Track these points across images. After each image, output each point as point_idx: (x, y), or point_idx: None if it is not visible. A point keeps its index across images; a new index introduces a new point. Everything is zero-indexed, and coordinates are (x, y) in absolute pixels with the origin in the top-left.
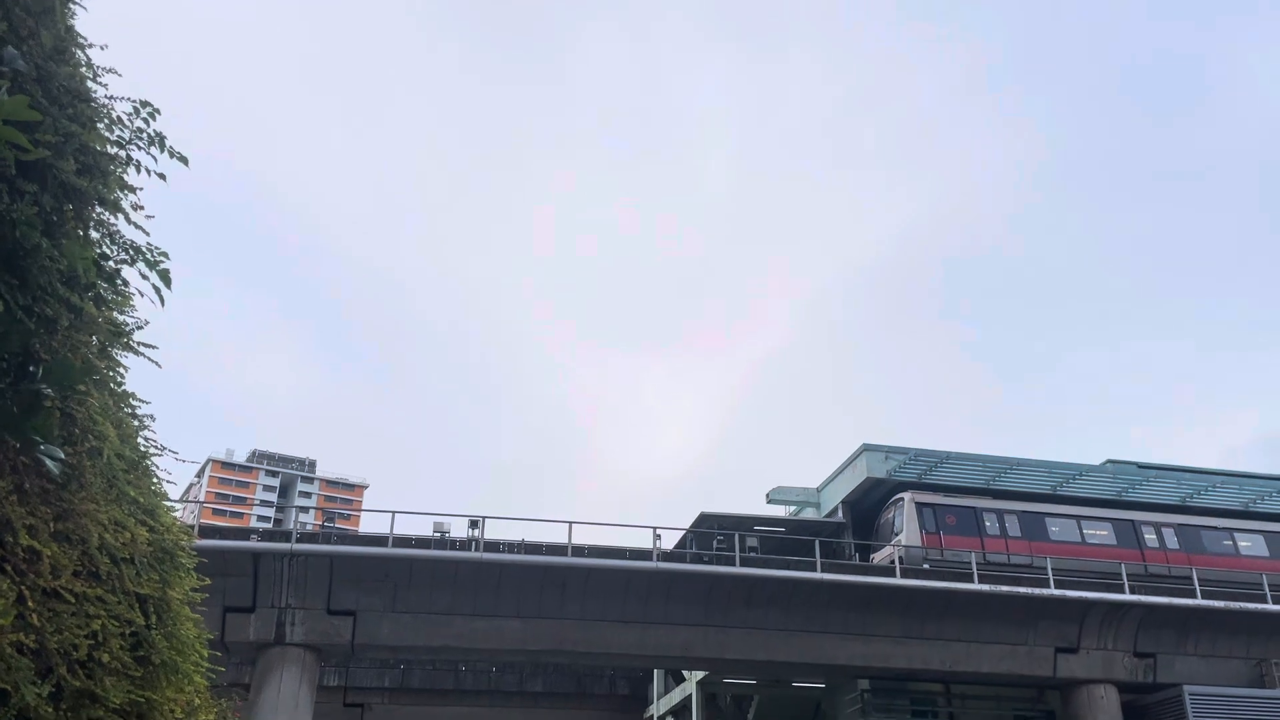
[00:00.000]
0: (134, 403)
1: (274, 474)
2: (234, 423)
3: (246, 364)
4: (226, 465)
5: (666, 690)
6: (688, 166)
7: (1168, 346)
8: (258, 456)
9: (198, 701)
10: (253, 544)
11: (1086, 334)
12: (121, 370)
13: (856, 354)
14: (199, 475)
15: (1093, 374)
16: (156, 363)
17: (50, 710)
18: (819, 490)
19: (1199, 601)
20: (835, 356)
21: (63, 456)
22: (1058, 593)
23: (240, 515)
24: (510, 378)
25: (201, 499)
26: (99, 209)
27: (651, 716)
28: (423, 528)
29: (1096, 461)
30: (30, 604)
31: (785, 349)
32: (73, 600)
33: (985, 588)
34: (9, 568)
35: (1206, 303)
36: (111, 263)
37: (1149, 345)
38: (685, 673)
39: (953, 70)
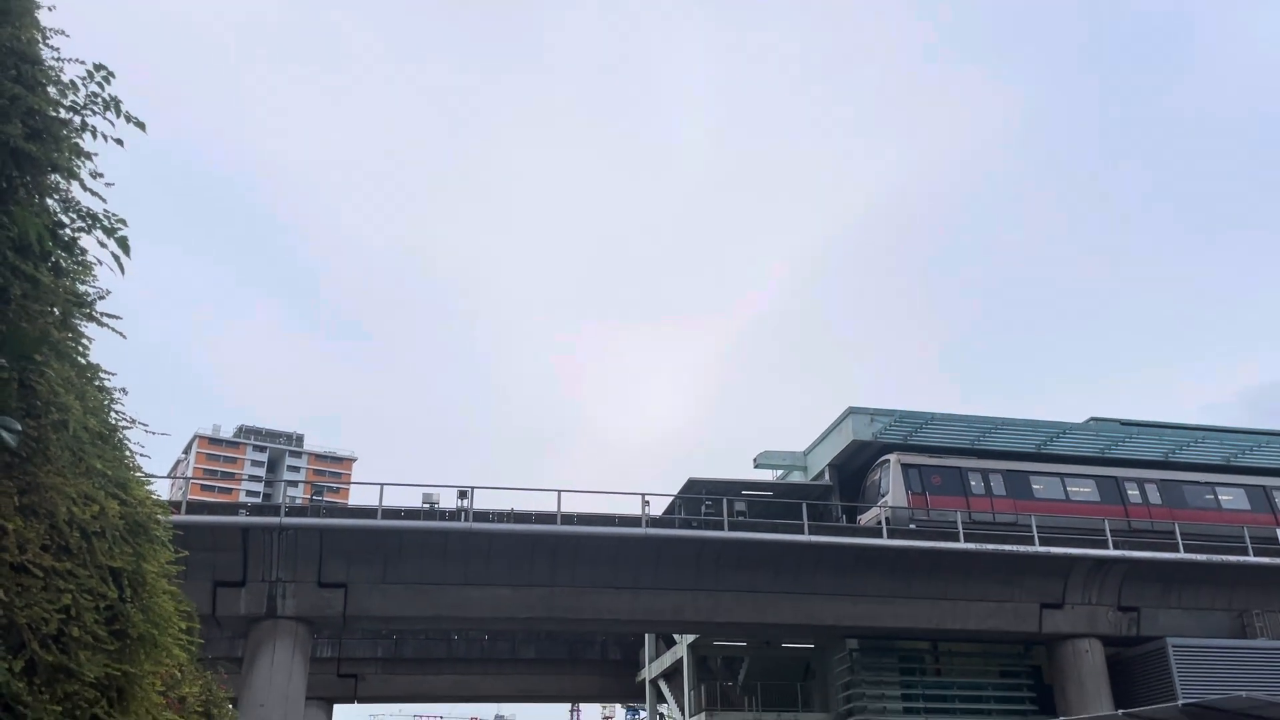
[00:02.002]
0: (102, 375)
1: (262, 449)
2: (220, 398)
3: (230, 338)
4: (213, 441)
5: (658, 654)
6: (669, 136)
7: (1149, 305)
8: (245, 431)
9: (179, 675)
10: (241, 519)
11: (1069, 292)
12: (85, 342)
13: (841, 318)
14: (186, 451)
15: (1075, 333)
16: (121, 333)
17: (23, 686)
18: (805, 454)
19: (1182, 555)
20: (820, 321)
21: (19, 429)
22: (1042, 550)
23: (229, 491)
24: (495, 348)
25: (189, 475)
26: (53, 176)
27: (643, 680)
28: (412, 499)
29: (1080, 419)
30: None
31: (770, 314)
32: (41, 575)
33: (971, 546)
34: None
35: (1186, 262)
36: (68, 231)
37: (1130, 304)
38: (676, 636)
39: (933, 31)
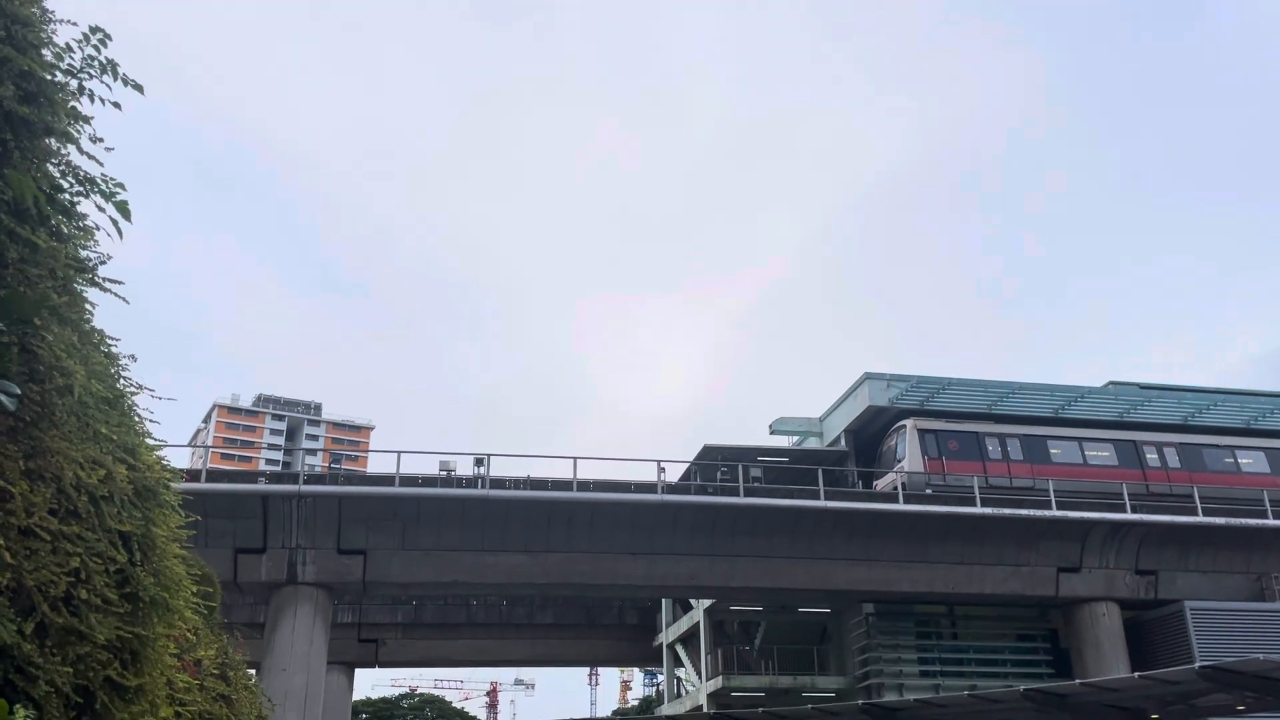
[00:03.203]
0: (107, 341)
1: (280, 417)
2: (238, 368)
3: (248, 310)
4: (233, 410)
5: (675, 619)
6: (682, 103)
7: (1165, 270)
8: (263, 400)
9: (194, 638)
10: (261, 486)
11: (1087, 256)
12: (88, 307)
13: (857, 283)
14: (206, 421)
15: (1092, 297)
16: (124, 298)
17: (34, 648)
18: (821, 420)
19: (1199, 519)
20: (836, 286)
21: (18, 392)
22: (1059, 514)
23: (249, 459)
24: (509, 319)
25: (209, 444)
26: (49, 140)
27: (661, 644)
28: (429, 466)
29: (1099, 383)
30: (3, 542)
31: (786, 281)
32: (48, 538)
33: (987, 511)
34: None
35: (1200, 227)
36: (67, 196)
37: (1146, 268)
38: (693, 601)
39: None
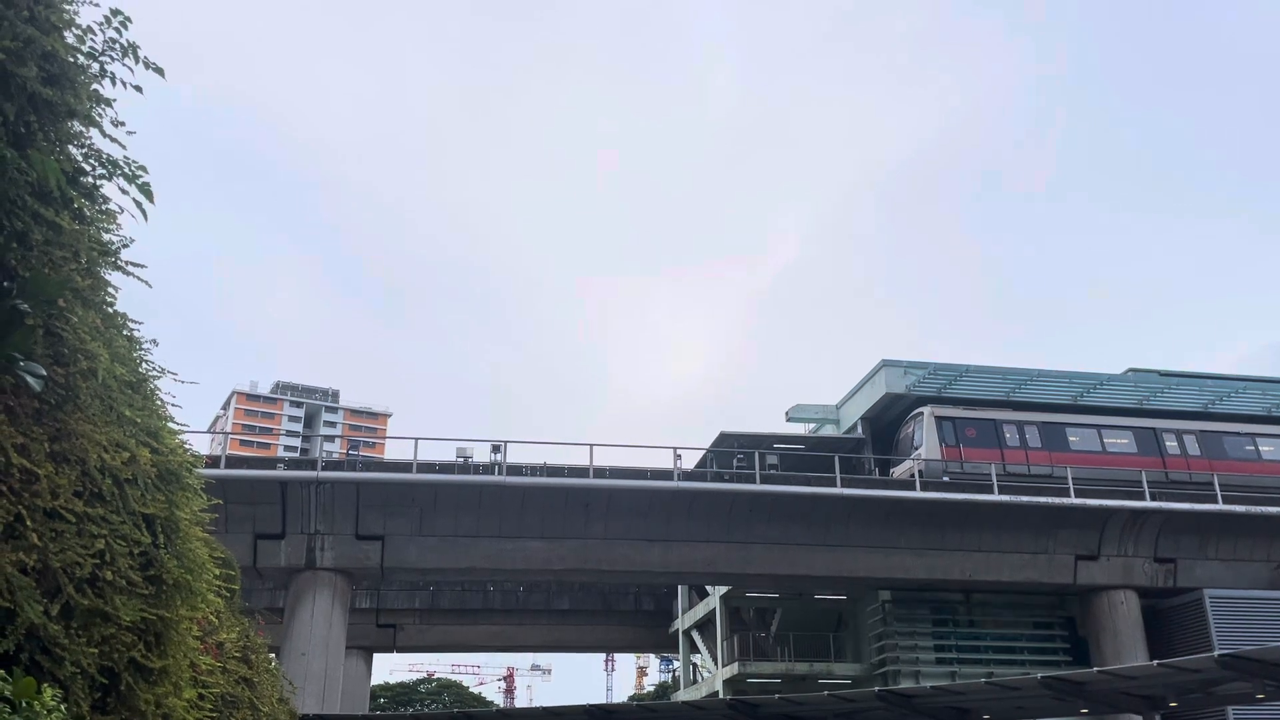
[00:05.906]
0: (130, 324)
1: (298, 404)
2: (257, 355)
3: (266, 298)
4: (251, 397)
5: (691, 605)
6: (694, 85)
7: (1181, 255)
8: (281, 388)
9: (216, 621)
10: (279, 472)
11: (1103, 242)
12: (111, 290)
13: (875, 267)
14: (225, 407)
15: (1111, 284)
16: (146, 282)
17: (60, 629)
18: (838, 407)
19: (1219, 506)
20: (852, 272)
21: (44, 374)
22: (1078, 501)
23: (267, 446)
24: (523, 306)
25: (228, 430)
26: (72, 123)
27: (677, 631)
28: (446, 453)
29: (1118, 370)
30: (29, 523)
31: (801, 265)
32: (74, 520)
33: (1005, 498)
34: (4, 488)
35: (1216, 215)
36: (90, 178)
37: (1163, 255)
38: (709, 588)
39: None
